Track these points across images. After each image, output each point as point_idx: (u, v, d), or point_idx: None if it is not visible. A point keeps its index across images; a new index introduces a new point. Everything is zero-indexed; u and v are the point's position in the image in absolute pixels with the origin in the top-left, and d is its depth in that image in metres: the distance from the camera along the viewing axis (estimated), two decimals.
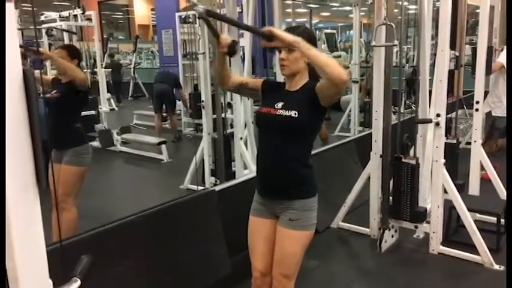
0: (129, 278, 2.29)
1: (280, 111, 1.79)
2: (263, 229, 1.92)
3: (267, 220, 1.92)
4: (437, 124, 3.01)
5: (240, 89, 2.02)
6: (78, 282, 0.94)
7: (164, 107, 7.21)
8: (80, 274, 0.96)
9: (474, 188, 3.62)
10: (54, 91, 3.06)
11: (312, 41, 1.80)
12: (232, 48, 1.72)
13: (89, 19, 6.76)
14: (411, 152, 3.35)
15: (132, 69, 13.41)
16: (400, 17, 3.34)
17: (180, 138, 7.31)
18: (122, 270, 2.25)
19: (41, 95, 3.20)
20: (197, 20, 4.52)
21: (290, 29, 1.83)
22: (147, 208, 2.50)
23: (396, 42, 2.94)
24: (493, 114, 4.69)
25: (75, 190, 3.10)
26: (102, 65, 7.30)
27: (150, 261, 2.43)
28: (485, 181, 3.69)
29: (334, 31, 18.07)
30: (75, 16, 6.70)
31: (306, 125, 1.80)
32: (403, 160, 3.15)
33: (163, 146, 6.06)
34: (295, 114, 1.75)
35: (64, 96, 2.99)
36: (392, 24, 2.92)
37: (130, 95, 13.39)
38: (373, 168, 3.35)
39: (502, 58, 4.51)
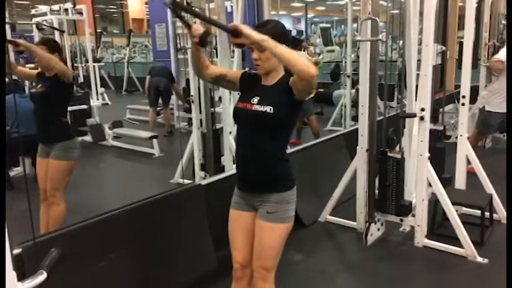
0: (114, 273, 2.29)
1: (256, 107, 1.80)
2: (242, 222, 1.95)
3: (246, 213, 1.94)
4: (421, 118, 3.03)
5: (218, 80, 2.01)
6: (44, 275, 0.95)
7: (160, 100, 7.20)
8: (46, 267, 0.97)
9: (460, 182, 3.65)
10: (39, 85, 3.04)
11: (282, 36, 1.77)
12: (204, 39, 1.72)
13: (80, 13, 6.73)
14: (399, 147, 3.37)
15: (126, 64, 13.37)
16: (392, 11, 3.33)
17: (172, 132, 7.31)
18: (106, 265, 2.25)
19: (25, 90, 3.19)
20: (187, 14, 4.49)
21: (260, 25, 1.82)
22: (132, 202, 2.51)
23: (381, 36, 2.95)
24: (486, 108, 4.59)
25: (63, 184, 3.10)
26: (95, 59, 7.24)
27: (135, 256, 2.44)
28: (472, 175, 3.72)
29: (329, 25, 18.07)
30: (66, 10, 6.66)
31: (281, 120, 1.81)
32: (389, 154, 3.17)
33: (154, 141, 6.07)
34: (271, 109, 1.77)
35: (49, 90, 2.97)
36: (376, 18, 2.92)
37: (124, 89, 13.36)
38: (360, 163, 3.37)
39: (501, 54, 4.25)
